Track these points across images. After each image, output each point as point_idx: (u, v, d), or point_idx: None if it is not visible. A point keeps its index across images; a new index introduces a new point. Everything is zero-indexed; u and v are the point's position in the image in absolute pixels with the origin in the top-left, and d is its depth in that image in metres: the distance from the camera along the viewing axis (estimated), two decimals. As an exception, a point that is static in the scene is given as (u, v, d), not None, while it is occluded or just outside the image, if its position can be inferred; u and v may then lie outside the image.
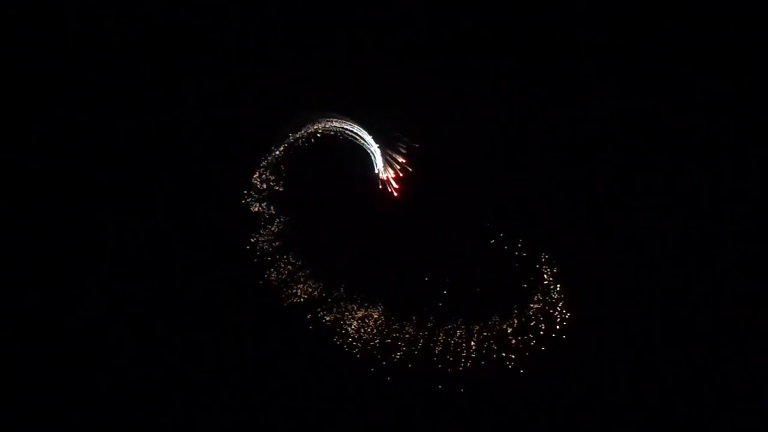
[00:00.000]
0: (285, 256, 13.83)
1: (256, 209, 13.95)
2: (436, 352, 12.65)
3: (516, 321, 12.66)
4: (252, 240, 13.75)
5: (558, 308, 12.65)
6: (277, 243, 13.90)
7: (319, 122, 14.17)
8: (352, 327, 13.15)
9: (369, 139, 13.88)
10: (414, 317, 12.96)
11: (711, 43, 12.56)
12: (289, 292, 13.48)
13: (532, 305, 12.72)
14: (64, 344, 12.54)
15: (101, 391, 12.33)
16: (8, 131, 13.22)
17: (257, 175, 14.08)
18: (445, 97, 13.51)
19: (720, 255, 12.25)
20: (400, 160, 13.55)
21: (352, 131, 14.17)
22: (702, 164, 12.58)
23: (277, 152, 14.25)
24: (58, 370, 12.37)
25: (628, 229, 12.90)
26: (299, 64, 13.96)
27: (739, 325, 11.91)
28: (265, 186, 14.10)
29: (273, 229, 13.96)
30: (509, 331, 12.59)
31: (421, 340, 12.83)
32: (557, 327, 12.51)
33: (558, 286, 12.77)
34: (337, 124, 14.20)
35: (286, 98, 13.97)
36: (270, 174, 14.22)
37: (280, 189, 14.19)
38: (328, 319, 13.22)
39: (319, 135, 14.21)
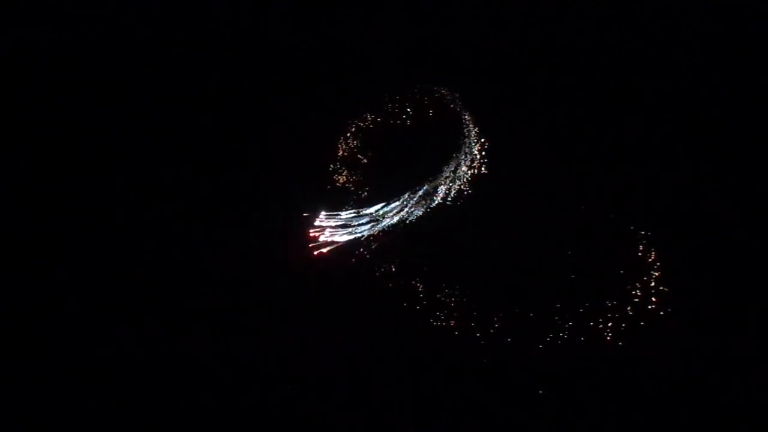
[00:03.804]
0: (373, 226, 13.71)
1: (342, 180, 13.83)
2: (530, 327, 12.39)
3: (609, 295, 12.21)
4: (338, 212, 13.67)
5: (653, 278, 12.12)
6: (365, 213, 13.79)
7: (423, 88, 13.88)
8: (446, 298, 12.97)
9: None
10: (506, 293, 12.70)
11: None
12: (380, 262, 13.34)
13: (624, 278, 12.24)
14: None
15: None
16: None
17: (341, 145, 13.94)
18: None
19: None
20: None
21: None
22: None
23: (366, 117, 14.03)
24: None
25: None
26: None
27: None
28: (348, 154, 13.93)
29: (361, 197, 13.83)
30: (602, 306, 12.17)
31: (517, 312, 12.56)
32: (653, 300, 11.99)
33: (653, 253, 12.20)
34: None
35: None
36: (356, 141, 14.03)
37: (367, 157, 14.01)
38: (421, 289, 13.03)
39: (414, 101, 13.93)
